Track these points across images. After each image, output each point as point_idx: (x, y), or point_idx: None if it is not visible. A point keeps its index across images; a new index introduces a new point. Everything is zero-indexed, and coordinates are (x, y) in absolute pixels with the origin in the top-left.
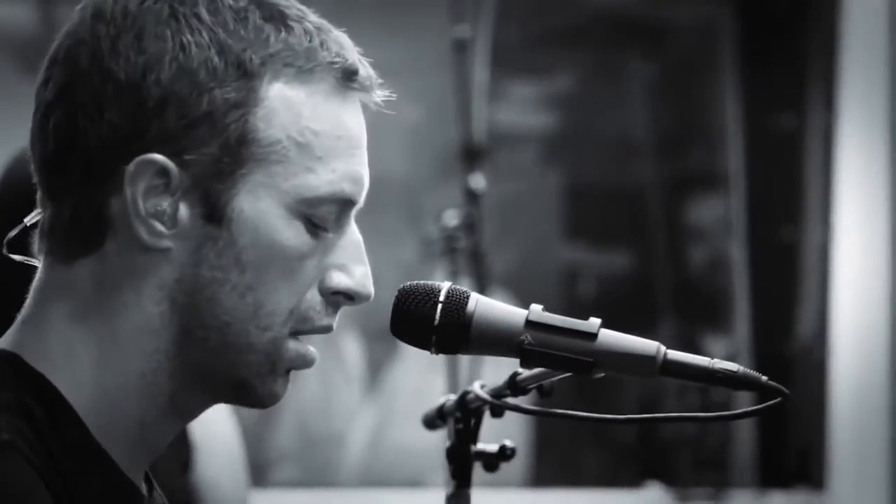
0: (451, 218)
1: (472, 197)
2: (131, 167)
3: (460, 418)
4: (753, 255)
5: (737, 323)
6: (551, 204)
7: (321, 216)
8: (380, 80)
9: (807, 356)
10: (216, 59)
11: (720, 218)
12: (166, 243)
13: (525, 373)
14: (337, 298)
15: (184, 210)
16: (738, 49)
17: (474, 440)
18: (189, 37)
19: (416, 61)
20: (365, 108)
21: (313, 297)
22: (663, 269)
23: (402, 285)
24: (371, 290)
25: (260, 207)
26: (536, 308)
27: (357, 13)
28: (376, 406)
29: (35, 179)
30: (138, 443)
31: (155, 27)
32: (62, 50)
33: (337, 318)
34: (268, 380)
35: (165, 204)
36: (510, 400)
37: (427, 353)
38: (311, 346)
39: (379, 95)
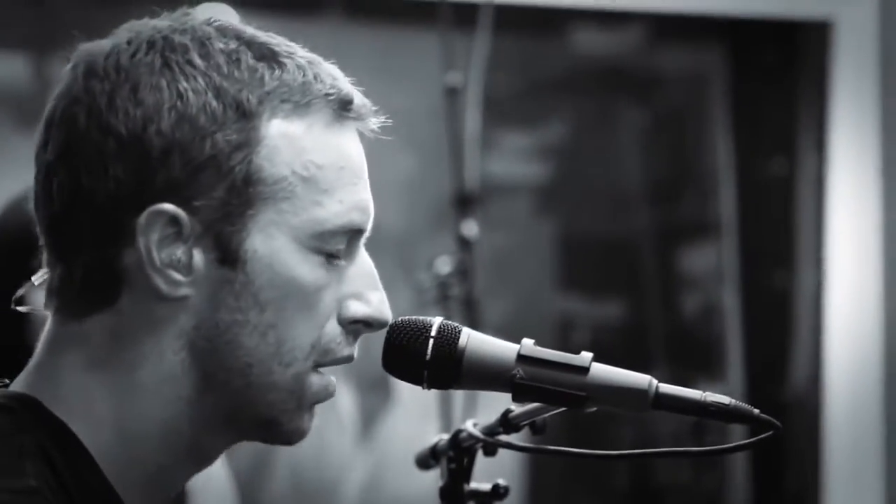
0: (444, 265)
1: (464, 244)
2: (142, 219)
3: (453, 457)
4: (746, 302)
5: (730, 370)
6: (544, 254)
7: (333, 248)
8: (374, 108)
9: (801, 402)
10: (214, 103)
11: (713, 265)
12: (184, 291)
13: (517, 409)
14: (357, 327)
15: (198, 256)
16: (728, 96)
17: (467, 479)
18: (185, 84)
19: (409, 112)
20: (361, 136)
21: (333, 328)
22: (656, 318)
23: (394, 320)
24: (389, 315)
25: (273, 246)
26: (528, 342)
27: (349, 63)
28: (370, 456)
29: (42, 241)
30: (155, 486)
31: (150, 78)
32: (58, 111)
33: (357, 346)
34: (294, 416)
35: (180, 252)
36: (503, 437)
37: (420, 402)
38: (331, 377)
39: (374, 123)
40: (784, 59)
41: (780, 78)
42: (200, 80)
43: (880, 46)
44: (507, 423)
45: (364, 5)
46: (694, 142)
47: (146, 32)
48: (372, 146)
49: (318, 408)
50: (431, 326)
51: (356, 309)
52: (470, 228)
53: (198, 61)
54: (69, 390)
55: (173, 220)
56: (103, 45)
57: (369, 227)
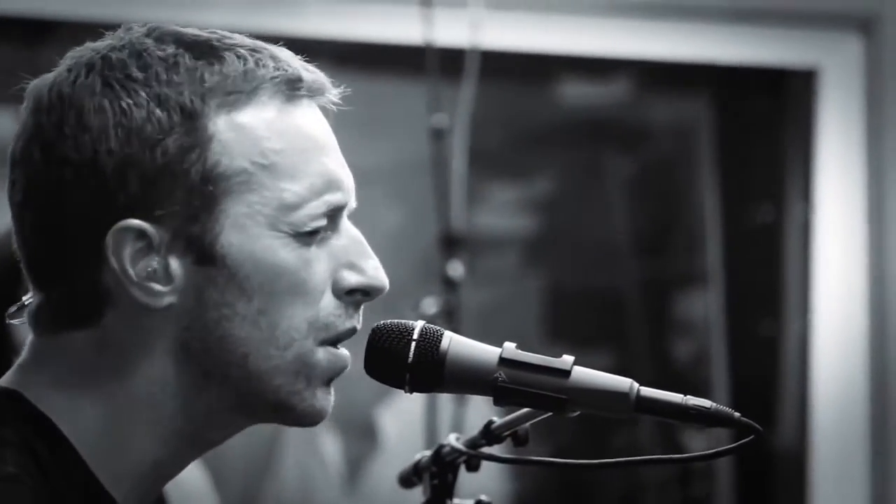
0: (430, 306)
1: (450, 285)
2: (109, 239)
3: (436, 473)
4: (733, 350)
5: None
6: (532, 306)
7: (313, 227)
8: (332, 80)
9: (787, 450)
10: (158, 112)
11: (700, 313)
12: (168, 300)
13: (499, 420)
14: (354, 297)
15: (174, 263)
16: (715, 144)
17: (450, 495)
18: (127, 99)
19: (396, 164)
20: (326, 112)
21: (329, 302)
22: (644, 368)
23: (376, 324)
24: (385, 280)
25: (250, 235)
26: (510, 346)
27: (338, 112)
28: (356, 503)
29: (25, 273)
30: (148, 479)
31: (92, 101)
32: (17, 151)
33: (360, 317)
34: (306, 396)
35: (155, 263)
36: (486, 449)
37: (407, 448)
38: (343, 350)
39: (334, 94)
40: (770, 107)
41: (766, 126)
42: (141, 92)
43: (866, 94)
44: (489, 434)
45: (353, 53)
46: (681, 191)
47: (85, 56)
48: (360, 200)
49: (303, 455)
50: (414, 330)
51: (350, 278)
52: (455, 269)
53: (137, 74)
54: (53, 392)
55: (140, 233)
56: (47, 77)
57: (351, 199)
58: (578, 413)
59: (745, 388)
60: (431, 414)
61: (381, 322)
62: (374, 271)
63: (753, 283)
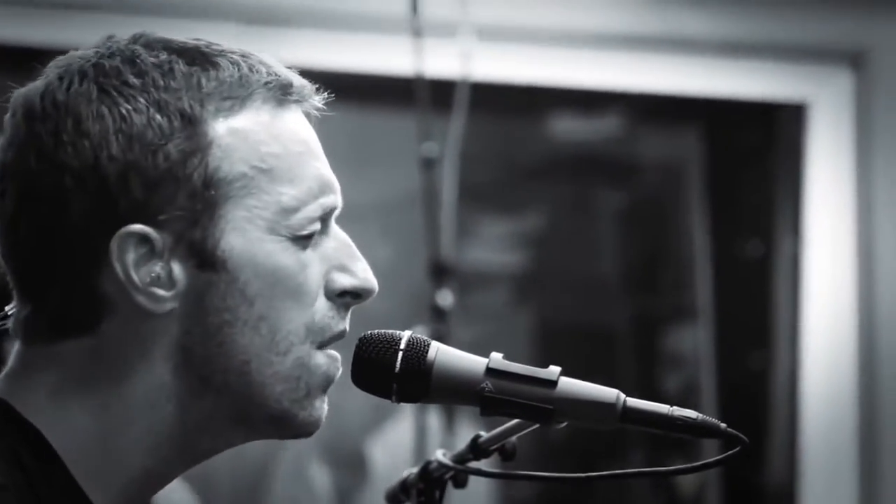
0: (420, 333)
1: (439, 314)
2: (113, 244)
3: (423, 490)
4: (722, 383)
5: (706, 452)
6: (522, 342)
7: (309, 230)
8: (315, 85)
9: (777, 485)
10: (158, 117)
11: (690, 347)
12: (170, 305)
13: (487, 434)
14: (345, 299)
15: (177, 268)
16: (704, 178)
17: None
18: (126, 105)
19: (386, 201)
20: (308, 117)
21: (322, 304)
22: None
23: (363, 334)
24: (374, 282)
25: (251, 239)
26: (497, 356)
27: (328, 146)
28: None
29: (11, 285)
30: (137, 487)
31: (89, 108)
32: (8, 160)
33: (348, 320)
34: (306, 404)
35: (158, 268)
36: (473, 464)
37: (396, 477)
38: (332, 351)
39: (318, 100)
40: (760, 140)
41: (756, 159)
42: (140, 98)
43: (856, 128)
44: (476, 448)
45: (344, 84)
46: (670, 225)
47: (75, 64)
48: (350, 235)
49: (293, 488)
50: (401, 339)
51: (342, 281)
52: (445, 298)
53: (133, 80)
54: (43, 401)
55: (144, 238)
56: (36, 86)
57: (339, 202)
58: (565, 424)
59: (735, 422)
60: (421, 444)
61: (369, 332)
62: (364, 273)
63: (743, 317)
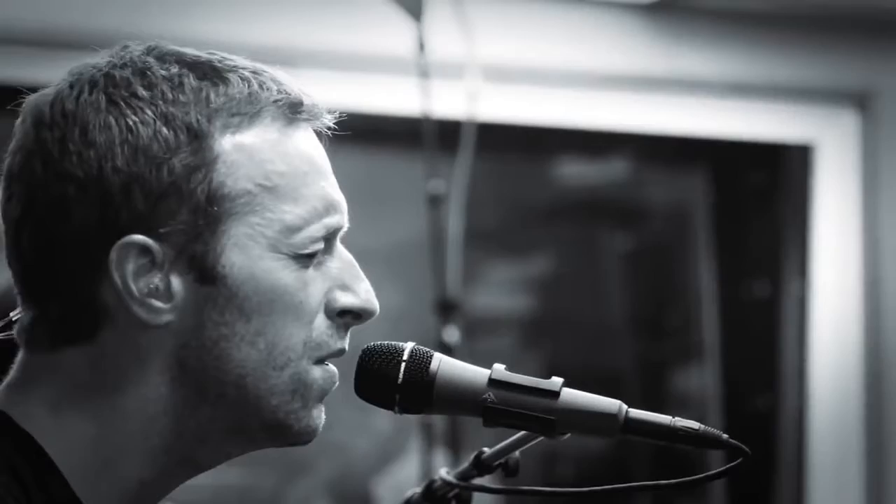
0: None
1: (445, 350)
2: (113, 254)
3: None
4: (729, 425)
5: (713, 495)
6: None
7: (312, 250)
8: (327, 106)
9: None
10: (165, 130)
11: (697, 389)
12: (167, 317)
13: (490, 450)
14: (345, 319)
15: (176, 281)
16: (711, 220)
17: None
18: (133, 117)
19: (393, 245)
20: (321, 136)
21: (322, 322)
22: (640, 447)
23: (366, 346)
24: (376, 304)
25: (251, 257)
26: (499, 367)
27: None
28: None
29: (15, 290)
30: (136, 499)
31: (97, 118)
32: (15, 166)
33: (347, 340)
34: (301, 415)
35: (157, 280)
36: (477, 480)
37: None
38: (331, 366)
39: (329, 119)
40: (767, 181)
41: (762, 201)
42: (147, 110)
43: (862, 169)
44: (479, 464)
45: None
46: (677, 268)
47: (87, 73)
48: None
49: None
50: (403, 350)
51: (344, 300)
52: (451, 335)
53: (142, 92)
54: (41, 411)
55: (144, 249)
56: (47, 93)
57: (345, 222)
58: (568, 435)
59: (742, 463)
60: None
61: (371, 343)
62: (367, 294)
63: (750, 359)
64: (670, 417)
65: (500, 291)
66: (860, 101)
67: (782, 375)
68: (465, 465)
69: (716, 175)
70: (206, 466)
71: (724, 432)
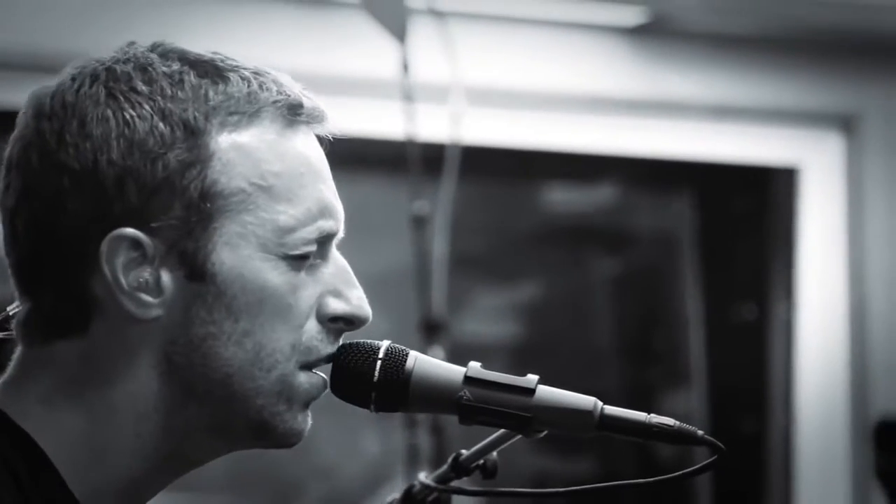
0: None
1: None
2: (104, 247)
3: None
4: None
5: None
6: None
7: (303, 252)
8: (328, 110)
9: None
10: (161, 126)
11: (683, 412)
12: (155, 312)
13: (468, 452)
14: (337, 325)
15: (166, 276)
16: (697, 243)
17: None
18: (131, 111)
19: (378, 274)
20: (321, 141)
21: (312, 326)
22: (629, 467)
23: (342, 344)
24: (368, 311)
25: (241, 256)
26: (475, 365)
27: None
28: None
29: (11, 281)
30: (127, 496)
31: (95, 110)
32: (14, 155)
33: (338, 346)
34: (286, 417)
35: (147, 274)
36: (456, 482)
37: None
38: (322, 375)
39: (331, 124)
40: (753, 204)
41: (748, 224)
42: (145, 105)
43: (847, 192)
44: (458, 466)
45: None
46: (664, 292)
47: (89, 67)
48: None
49: None
50: (379, 349)
51: (335, 306)
52: (436, 354)
53: (141, 87)
54: (36, 406)
55: (135, 243)
56: (50, 85)
57: (341, 228)
58: (545, 433)
59: (730, 486)
60: None
61: (347, 342)
62: (359, 301)
63: (736, 381)
64: (646, 414)
65: (488, 318)
66: (845, 124)
67: (769, 398)
68: (443, 467)
69: (702, 198)
70: (195, 464)
71: (711, 455)
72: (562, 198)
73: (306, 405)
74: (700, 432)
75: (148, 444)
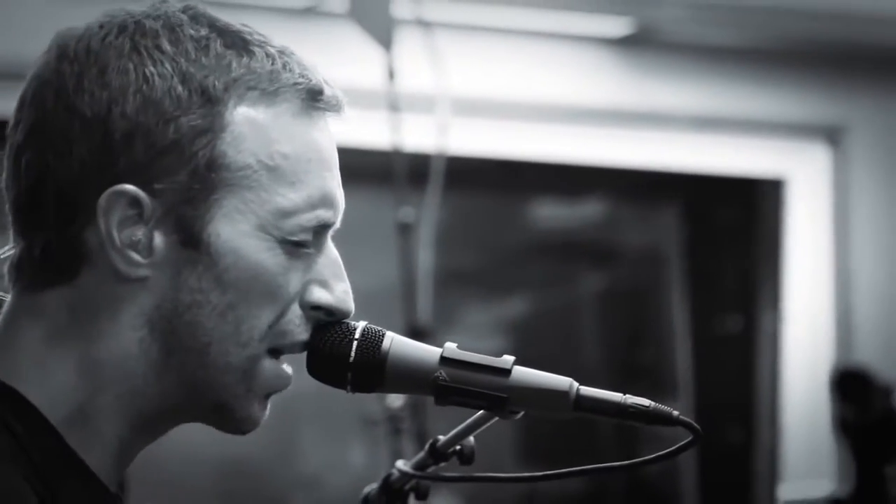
0: (396, 399)
1: None
2: (103, 200)
3: (386, 503)
4: (703, 458)
5: None
6: (506, 428)
7: (299, 238)
8: (346, 99)
9: None
10: (180, 88)
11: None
12: (143, 272)
13: (444, 437)
14: (317, 314)
15: (159, 238)
16: (684, 256)
17: None
18: (152, 68)
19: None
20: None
21: (293, 311)
22: (616, 480)
23: (317, 325)
24: (351, 306)
25: (238, 231)
26: (451, 345)
27: None
28: None
29: (9, 218)
30: (113, 456)
31: (117, 61)
32: (29, 92)
33: None
34: (244, 402)
35: (140, 233)
36: (433, 469)
37: None
38: (286, 366)
39: (347, 114)
40: (739, 216)
41: (735, 235)
42: (167, 64)
43: (833, 203)
44: (435, 452)
45: None
46: (651, 304)
47: (119, 17)
48: None
49: None
50: (356, 329)
51: (319, 295)
52: None
53: (166, 46)
54: (26, 362)
55: (134, 201)
56: (77, 29)
57: (338, 220)
58: (521, 414)
59: (716, 496)
60: None
61: (323, 322)
62: (343, 294)
63: (723, 392)
64: (621, 395)
65: (477, 334)
66: (831, 136)
67: (756, 409)
68: (420, 454)
69: (688, 210)
70: (160, 433)
71: (698, 466)
72: (549, 213)
73: (266, 396)
74: (676, 413)
75: (130, 407)
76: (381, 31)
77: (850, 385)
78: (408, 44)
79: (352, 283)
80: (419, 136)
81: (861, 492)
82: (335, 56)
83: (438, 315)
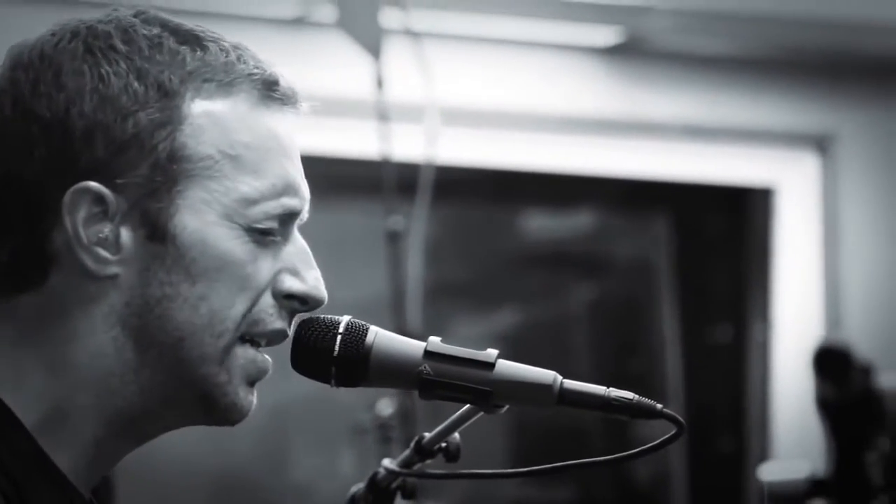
0: (386, 407)
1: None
2: (67, 198)
3: (373, 502)
4: (693, 468)
5: None
6: (497, 440)
7: (266, 226)
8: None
9: None
10: (136, 84)
11: (662, 434)
12: (113, 269)
13: (429, 435)
14: (291, 303)
15: (125, 234)
16: (674, 266)
17: None
18: (107, 67)
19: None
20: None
21: (266, 300)
22: (607, 492)
23: (302, 318)
24: (323, 293)
25: (204, 221)
26: (435, 339)
27: None
28: None
29: None
30: (89, 459)
31: (72, 63)
32: None
33: (292, 324)
34: (227, 390)
35: (107, 230)
36: (419, 466)
37: None
38: (264, 354)
39: (303, 107)
40: (728, 225)
41: (724, 244)
42: (122, 63)
43: (822, 212)
44: (421, 449)
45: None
46: (641, 315)
47: (71, 24)
48: None
49: None
50: (340, 323)
51: (291, 284)
52: None
53: (120, 46)
54: (1, 364)
55: (98, 198)
56: (30, 40)
57: (305, 209)
58: (506, 408)
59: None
60: None
61: (307, 317)
62: (315, 282)
63: (714, 403)
64: (605, 388)
65: (466, 344)
66: (821, 145)
67: (747, 418)
68: (406, 451)
69: (677, 219)
70: (149, 435)
71: (688, 475)
72: (539, 224)
73: (251, 383)
74: (659, 406)
75: (109, 407)
76: (370, 40)
77: (829, 362)
78: (396, 53)
79: (341, 292)
80: (408, 145)
81: (840, 473)
82: (324, 66)
83: (428, 325)
